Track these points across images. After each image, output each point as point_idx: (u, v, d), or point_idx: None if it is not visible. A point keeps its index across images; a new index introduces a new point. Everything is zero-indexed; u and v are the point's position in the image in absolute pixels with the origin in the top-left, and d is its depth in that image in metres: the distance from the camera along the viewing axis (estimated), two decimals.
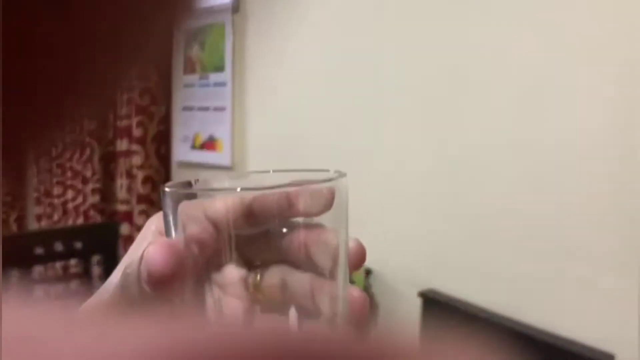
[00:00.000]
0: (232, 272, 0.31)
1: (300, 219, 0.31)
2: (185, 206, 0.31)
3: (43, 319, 0.11)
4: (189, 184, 0.34)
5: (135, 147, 2.14)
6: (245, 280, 0.32)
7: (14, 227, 2.72)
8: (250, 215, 0.31)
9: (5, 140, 0.13)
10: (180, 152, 2.11)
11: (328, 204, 0.31)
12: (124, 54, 0.14)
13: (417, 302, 1.27)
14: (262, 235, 0.32)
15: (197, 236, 0.30)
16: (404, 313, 1.34)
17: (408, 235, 1.35)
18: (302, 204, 0.31)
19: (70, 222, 2.38)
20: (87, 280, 1.81)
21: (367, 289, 1.39)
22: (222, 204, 0.31)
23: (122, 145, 2.19)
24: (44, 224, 2.59)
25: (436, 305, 1.24)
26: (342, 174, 0.32)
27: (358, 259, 0.33)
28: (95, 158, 2.34)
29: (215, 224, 0.31)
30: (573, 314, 1.06)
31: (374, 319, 1.42)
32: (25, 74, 0.13)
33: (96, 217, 2.31)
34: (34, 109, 0.14)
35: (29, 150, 0.14)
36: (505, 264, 1.16)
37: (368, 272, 1.38)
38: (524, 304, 1.13)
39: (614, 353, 1.00)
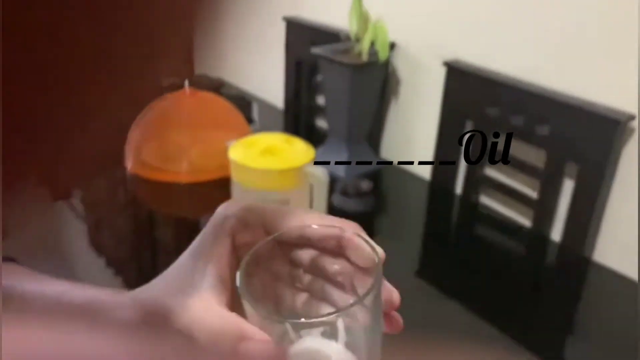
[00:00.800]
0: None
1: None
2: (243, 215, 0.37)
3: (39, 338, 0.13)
4: None
5: None
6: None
7: None
8: (303, 237, 0.36)
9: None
10: None
11: (372, 261, 0.34)
12: (151, 54, 0.14)
13: (442, 73, 1.27)
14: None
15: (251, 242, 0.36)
16: (428, 84, 1.34)
17: (432, 6, 1.29)
18: (351, 252, 0.35)
19: None
20: None
21: (390, 62, 1.38)
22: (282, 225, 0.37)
23: None
24: None
25: (460, 75, 1.23)
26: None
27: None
28: None
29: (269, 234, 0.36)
30: (596, 77, 1.05)
31: (396, 94, 1.44)
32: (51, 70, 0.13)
33: None
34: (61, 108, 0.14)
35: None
36: (530, 28, 1.12)
37: (392, 46, 1.36)
38: (548, 68, 1.11)
39: (635, 114, 1.01)
